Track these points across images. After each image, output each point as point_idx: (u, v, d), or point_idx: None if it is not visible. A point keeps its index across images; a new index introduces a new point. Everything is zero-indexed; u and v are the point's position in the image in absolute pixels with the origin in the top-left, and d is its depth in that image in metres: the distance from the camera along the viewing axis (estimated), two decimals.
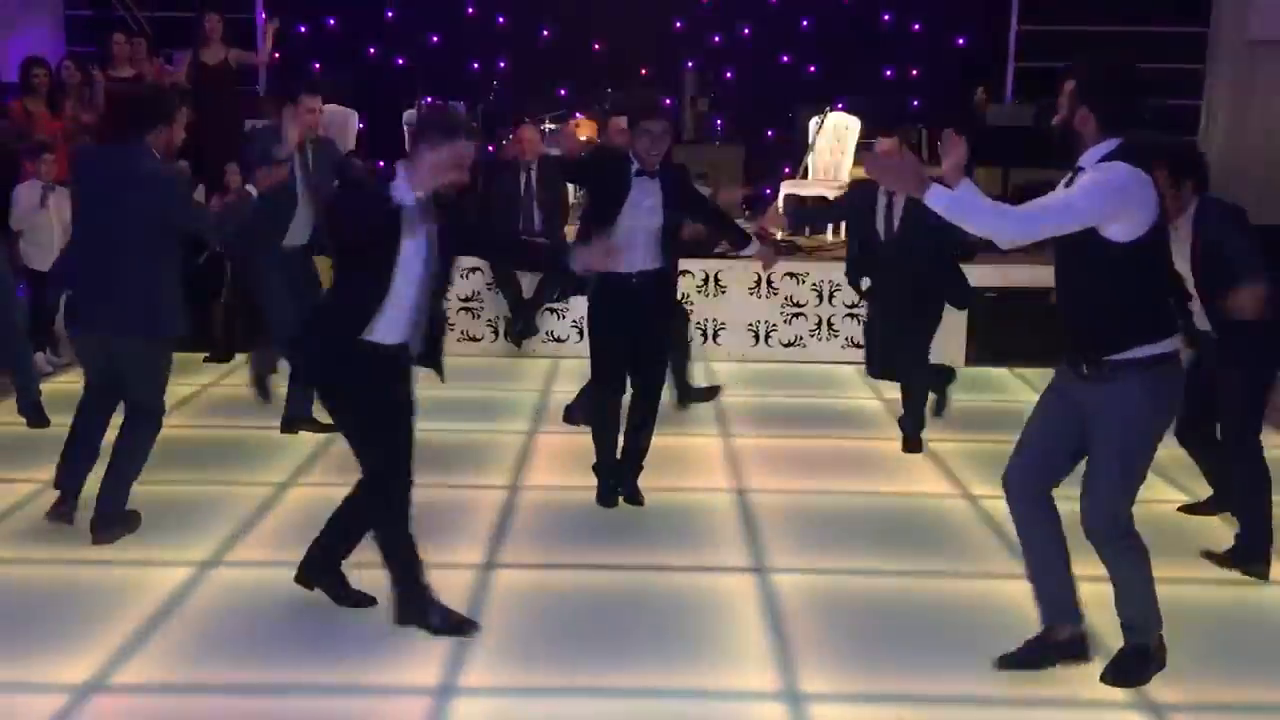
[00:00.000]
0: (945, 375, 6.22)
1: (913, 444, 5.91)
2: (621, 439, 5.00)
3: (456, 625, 3.75)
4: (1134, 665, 3.48)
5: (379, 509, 3.77)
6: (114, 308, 4.33)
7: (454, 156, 3.60)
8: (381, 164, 3.93)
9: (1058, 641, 3.52)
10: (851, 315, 7.76)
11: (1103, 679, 3.48)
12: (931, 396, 6.13)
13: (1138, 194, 3.18)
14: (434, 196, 3.66)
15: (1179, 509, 5.00)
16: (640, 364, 4.93)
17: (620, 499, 5.00)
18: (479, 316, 7.99)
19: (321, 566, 3.91)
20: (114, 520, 4.44)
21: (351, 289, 3.62)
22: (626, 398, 5.00)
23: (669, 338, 5.42)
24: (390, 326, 3.59)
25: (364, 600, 3.90)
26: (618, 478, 5.02)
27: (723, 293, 7.92)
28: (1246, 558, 4.32)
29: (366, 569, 3.92)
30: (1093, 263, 3.27)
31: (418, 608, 3.75)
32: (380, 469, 3.75)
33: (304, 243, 5.76)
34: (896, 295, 5.79)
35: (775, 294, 7.81)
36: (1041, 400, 3.58)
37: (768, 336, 7.79)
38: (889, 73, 11.48)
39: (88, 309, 4.40)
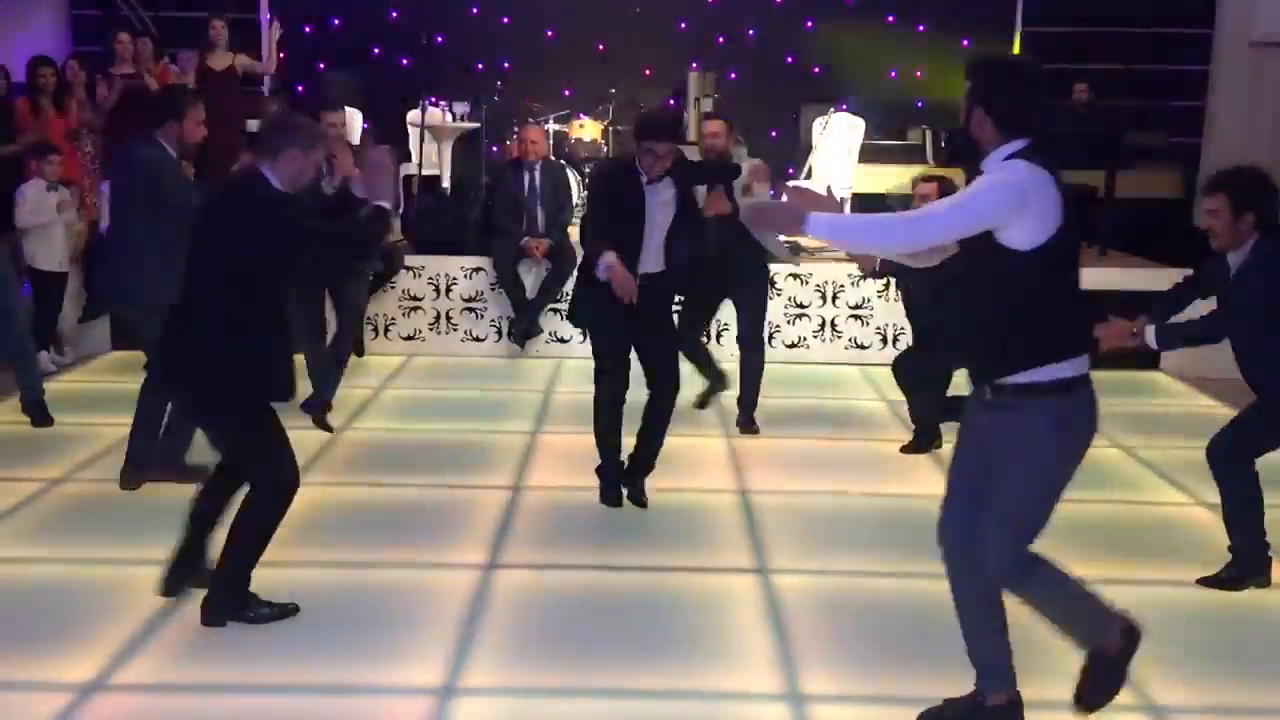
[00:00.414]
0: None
1: (920, 444, 5.91)
2: (634, 439, 5.00)
3: (279, 611, 3.83)
4: (1098, 676, 3.14)
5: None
6: (117, 279, 5.00)
7: (317, 160, 3.92)
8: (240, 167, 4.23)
9: (991, 706, 3.24)
10: (855, 316, 7.75)
11: (1076, 705, 3.18)
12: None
13: (1036, 195, 2.91)
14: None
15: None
16: (653, 365, 4.93)
17: (625, 499, 5.00)
18: (482, 317, 7.99)
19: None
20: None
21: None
22: (636, 402, 4.99)
23: (678, 339, 5.45)
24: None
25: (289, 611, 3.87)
26: (623, 478, 5.02)
27: None
28: (1246, 573, 4.28)
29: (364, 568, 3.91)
30: (991, 273, 2.99)
31: (238, 605, 3.79)
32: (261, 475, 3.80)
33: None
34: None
35: (779, 295, 7.80)
36: (958, 438, 3.30)
37: (771, 337, 7.78)
38: (893, 74, 11.47)
39: (104, 286, 5.07)
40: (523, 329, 7.74)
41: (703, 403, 6.47)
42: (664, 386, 4.97)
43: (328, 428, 6.02)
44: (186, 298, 3.77)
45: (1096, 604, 3.15)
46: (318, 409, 6.05)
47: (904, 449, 5.90)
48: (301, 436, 5.85)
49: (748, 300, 6.16)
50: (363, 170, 5.82)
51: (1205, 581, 4.30)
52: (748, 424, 6.21)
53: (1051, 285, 3.00)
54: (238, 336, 3.65)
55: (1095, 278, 8.09)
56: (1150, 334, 4.23)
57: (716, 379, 6.43)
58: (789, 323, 7.88)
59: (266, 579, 4.09)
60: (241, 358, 3.66)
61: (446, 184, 10.18)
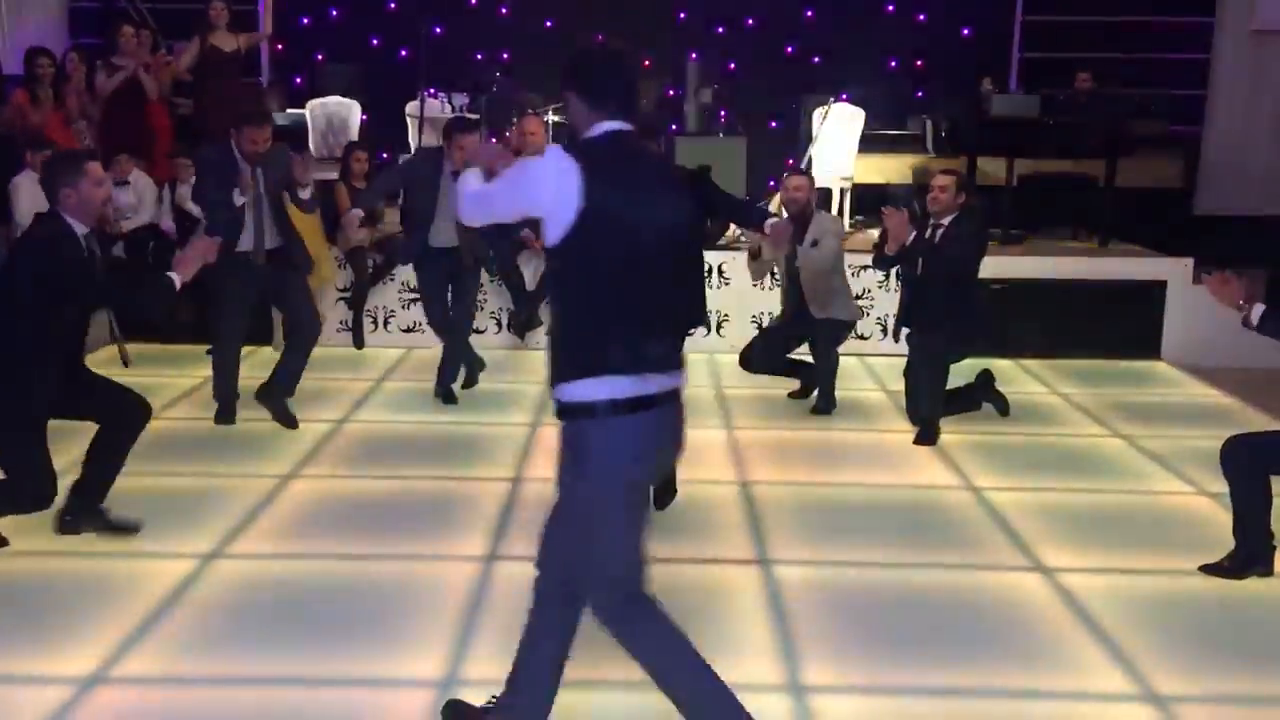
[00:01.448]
0: (980, 391, 6.35)
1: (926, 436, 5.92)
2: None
3: None
4: None
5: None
6: None
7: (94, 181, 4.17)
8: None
9: None
10: (856, 301, 7.72)
11: None
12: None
13: (551, 186, 2.60)
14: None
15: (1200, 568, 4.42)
16: None
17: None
18: (482, 309, 7.97)
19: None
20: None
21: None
22: None
23: None
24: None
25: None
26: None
27: (726, 284, 7.92)
28: (1250, 563, 4.27)
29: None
30: (551, 271, 2.81)
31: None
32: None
33: (271, 247, 5.87)
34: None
35: (779, 285, 7.78)
36: None
37: None
38: (893, 64, 11.44)
39: None
40: (522, 320, 7.73)
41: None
42: None
43: (288, 421, 5.98)
44: None
45: (718, 700, 2.83)
46: (275, 404, 6.01)
47: (916, 441, 5.91)
48: (304, 430, 5.86)
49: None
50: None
51: (1208, 569, 4.29)
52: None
53: (577, 288, 2.67)
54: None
55: (1093, 267, 8.12)
56: (1257, 312, 4.09)
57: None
58: None
59: (269, 571, 4.09)
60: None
61: None
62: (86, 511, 4.41)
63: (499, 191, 2.81)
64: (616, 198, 2.62)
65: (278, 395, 5.99)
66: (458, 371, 6.72)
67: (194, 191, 6.91)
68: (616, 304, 2.64)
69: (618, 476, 2.70)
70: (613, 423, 2.65)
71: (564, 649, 2.88)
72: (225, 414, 6.02)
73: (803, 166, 9.09)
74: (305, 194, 6.07)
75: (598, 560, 2.77)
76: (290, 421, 5.94)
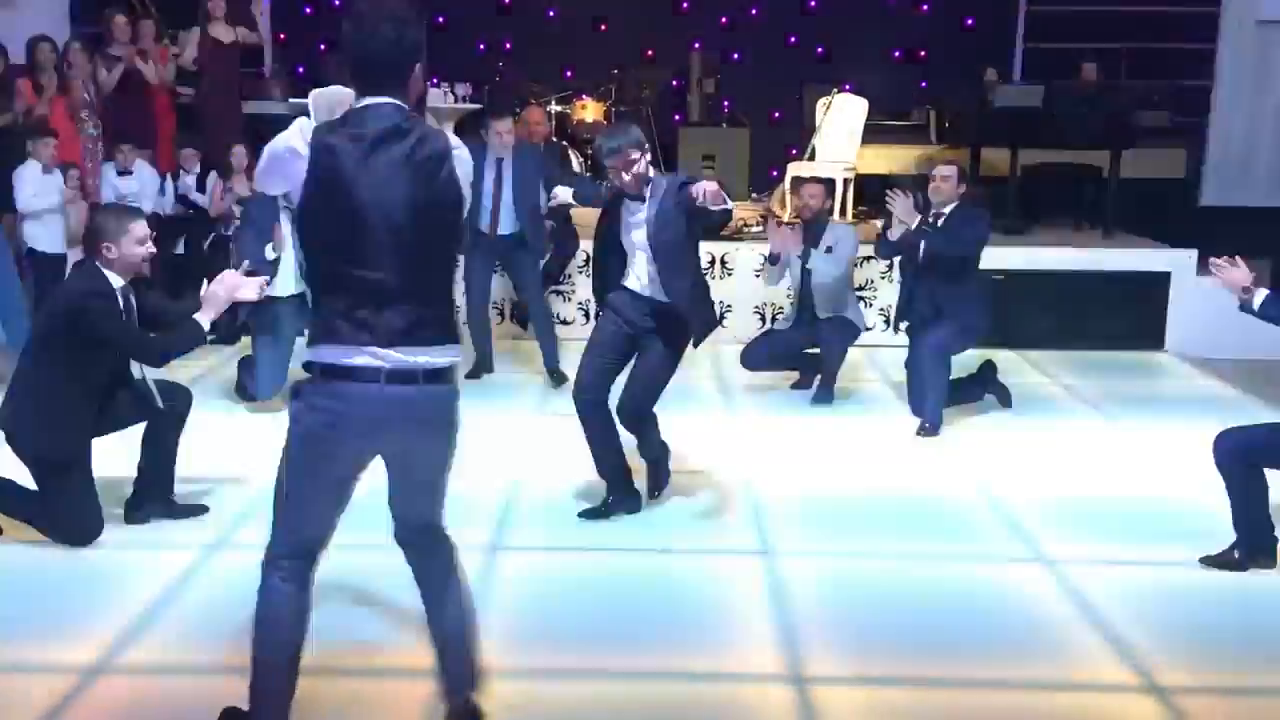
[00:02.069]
0: (983, 382, 6.36)
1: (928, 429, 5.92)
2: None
3: None
4: None
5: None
6: None
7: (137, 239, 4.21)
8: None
9: None
10: (859, 298, 7.71)
11: None
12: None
13: (288, 159, 2.68)
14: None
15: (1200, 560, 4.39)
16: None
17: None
18: None
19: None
20: None
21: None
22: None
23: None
24: None
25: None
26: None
27: (729, 274, 7.91)
28: (1251, 556, 4.26)
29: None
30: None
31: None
32: None
33: (294, 292, 5.87)
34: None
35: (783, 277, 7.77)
36: None
37: (774, 319, 7.76)
38: (897, 54, 11.41)
39: None
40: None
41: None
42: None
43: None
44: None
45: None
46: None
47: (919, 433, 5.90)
48: None
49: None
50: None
51: (1208, 561, 4.29)
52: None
53: (308, 258, 2.76)
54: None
55: (1097, 259, 8.10)
56: (1260, 296, 4.15)
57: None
58: (793, 304, 7.84)
59: None
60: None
61: None
62: (154, 502, 4.53)
63: (261, 162, 2.81)
64: (340, 173, 2.62)
65: None
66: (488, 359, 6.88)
67: (235, 237, 6.91)
68: (330, 276, 2.68)
69: (296, 433, 2.77)
70: (306, 387, 2.73)
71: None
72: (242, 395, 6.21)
73: (805, 156, 9.09)
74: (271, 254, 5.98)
75: (278, 505, 2.88)
76: None
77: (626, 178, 4.41)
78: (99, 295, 4.14)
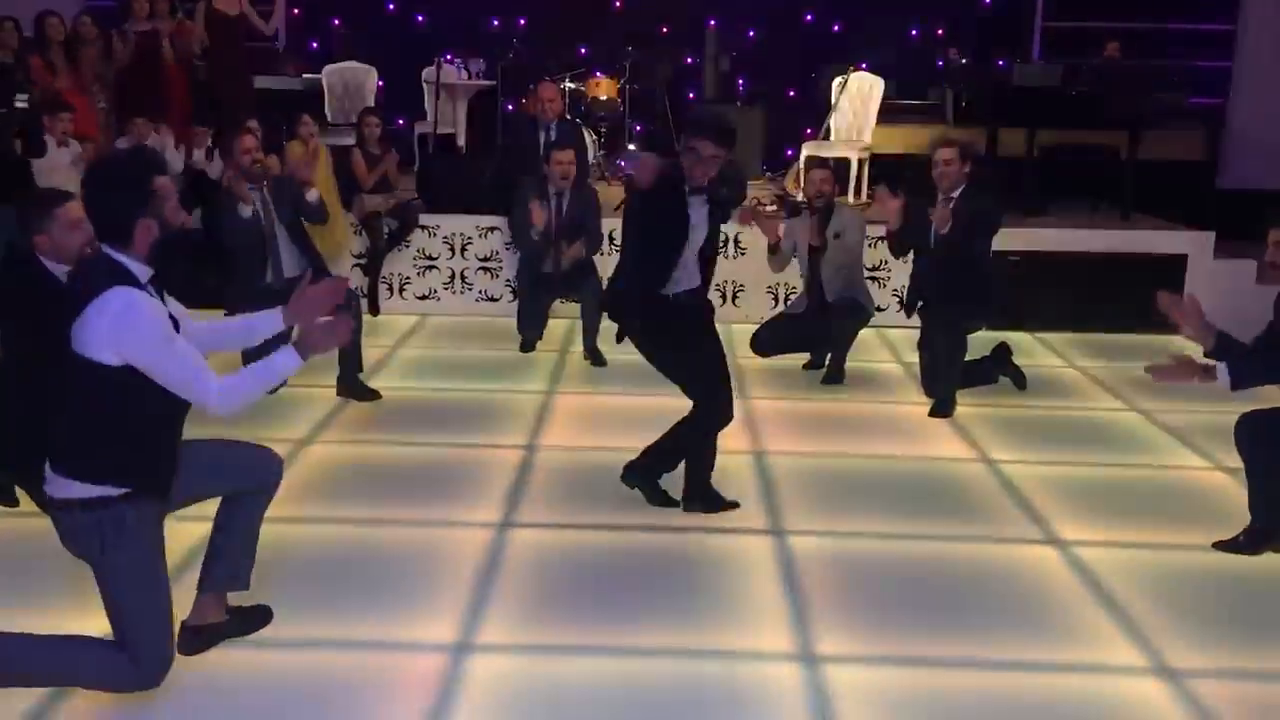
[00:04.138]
0: (997, 364, 6.34)
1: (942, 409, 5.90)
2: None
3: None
4: None
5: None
6: None
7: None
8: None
9: None
10: (872, 279, 7.69)
11: None
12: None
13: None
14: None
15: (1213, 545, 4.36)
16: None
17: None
18: (497, 276, 7.97)
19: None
20: None
21: None
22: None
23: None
24: None
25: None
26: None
27: (742, 254, 7.88)
28: (1265, 539, 4.23)
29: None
30: None
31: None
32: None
33: (293, 275, 5.77)
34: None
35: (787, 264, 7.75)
36: None
37: (787, 299, 7.74)
38: (914, 32, 11.32)
39: None
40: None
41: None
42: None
43: (370, 394, 6.01)
44: None
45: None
46: (355, 388, 6.03)
47: (932, 413, 5.88)
48: (319, 395, 5.88)
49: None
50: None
51: (1221, 546, 4.28)
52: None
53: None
54: None
55: (1113, 240, 8.05)
56: (1222, 371, 3.93)
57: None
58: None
59: (285, 535, 4.11)
60: None
61: (462, 142, 10.14)
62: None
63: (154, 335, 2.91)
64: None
65: (354, 381, 5.95)
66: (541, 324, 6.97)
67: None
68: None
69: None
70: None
71: None
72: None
73: (821, 135, 9.04)
74: (312, 196, 6.03)
75: None
76: (371, 394, 5.93)
77: (701, 169, 4.20)
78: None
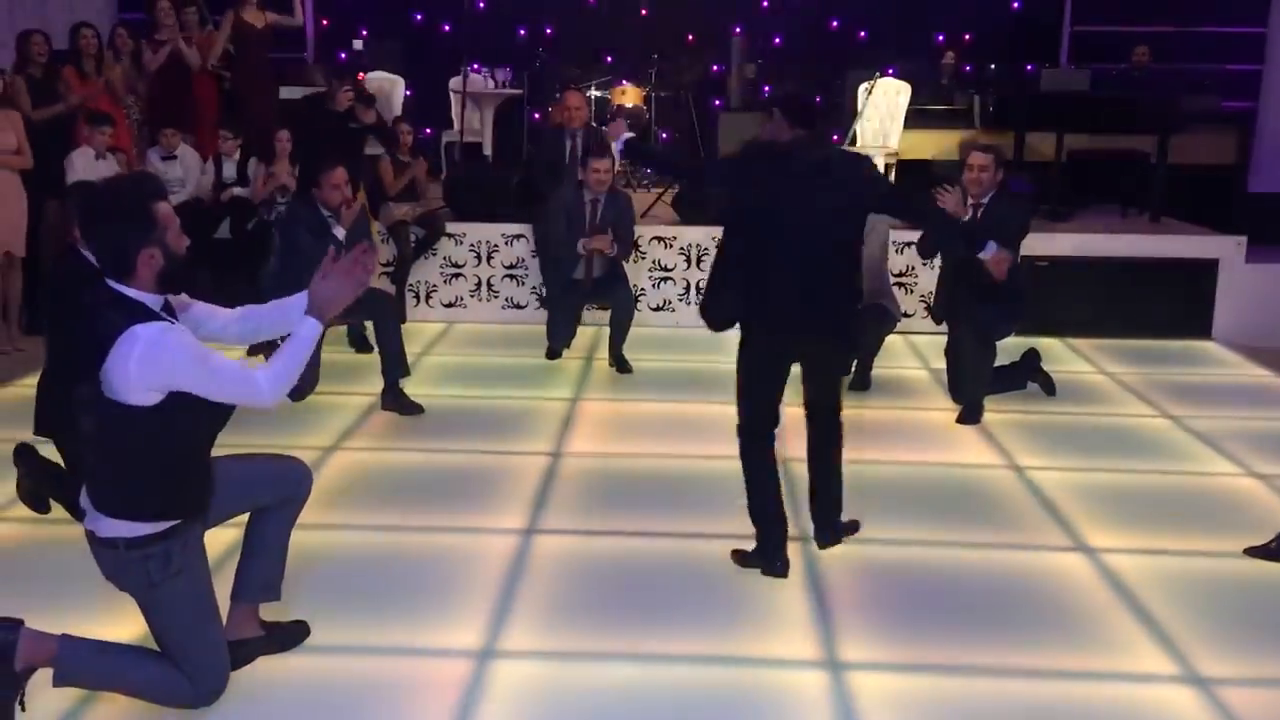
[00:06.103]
0: (1025, 369, 6.31)
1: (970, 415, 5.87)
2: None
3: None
4: None
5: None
6: None
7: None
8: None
9: None
10: (899, 284, 7.66)
11: None
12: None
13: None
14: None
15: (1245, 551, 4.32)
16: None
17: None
18: (523, 284, 8.00)
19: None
20: None
21: None
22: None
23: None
24: None
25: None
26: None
27: None
28: None
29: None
30: None
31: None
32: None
33: None
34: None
35: None
36: None
37: None
38: (940, 38, 11.29)
39: None
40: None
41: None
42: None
43: (414, 409, 5.95)
44: None
45: None
46: (399, 401, 5.94)
47: (960, 420, 5.85)
48: (346, 403, 5.91)
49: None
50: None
51: (1253, 552, 4.23)
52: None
53: None
54: None
55: (1143, 245, 7.98)
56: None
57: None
58: None
59: (311, 542, 4.13)
60: None
61: (488, 151, 10.19)
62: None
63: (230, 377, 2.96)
64: None
65: (397, 391, 5.87)
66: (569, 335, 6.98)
67: (277, 222, 6.98)
68: None
69: None
70: None
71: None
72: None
73: (847, 142, 9.02)
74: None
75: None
76: (414, 408, 5.84)
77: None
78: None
